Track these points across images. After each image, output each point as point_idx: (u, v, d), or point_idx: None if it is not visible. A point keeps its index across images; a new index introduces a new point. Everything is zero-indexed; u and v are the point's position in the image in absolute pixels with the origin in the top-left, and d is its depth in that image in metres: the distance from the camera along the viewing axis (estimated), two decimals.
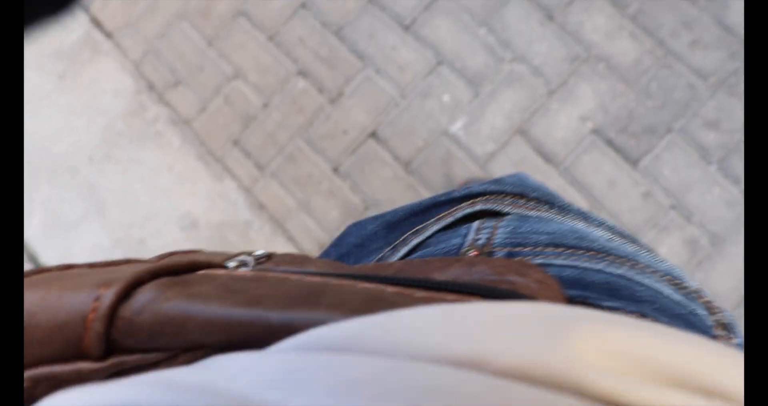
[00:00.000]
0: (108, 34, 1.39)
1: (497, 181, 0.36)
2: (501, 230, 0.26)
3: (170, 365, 0.16)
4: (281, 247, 1.22)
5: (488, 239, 0.26)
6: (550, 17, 1.13)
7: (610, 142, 1.08)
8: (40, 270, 0.17)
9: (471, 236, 0.26)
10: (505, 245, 0.25)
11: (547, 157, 1.10)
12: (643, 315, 0.21)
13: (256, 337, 0.15)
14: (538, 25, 1.13)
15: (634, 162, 1.07)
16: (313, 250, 1.19)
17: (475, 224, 0.28)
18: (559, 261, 0.23)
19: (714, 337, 0.23)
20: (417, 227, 0.30)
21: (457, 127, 1.13)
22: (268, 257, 0.21)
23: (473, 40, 1.15)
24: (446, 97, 1.15)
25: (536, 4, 1.14)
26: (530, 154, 1.10)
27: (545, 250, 0.24)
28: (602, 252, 0.24)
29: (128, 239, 1.34)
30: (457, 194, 0.31)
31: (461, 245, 0.26)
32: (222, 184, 1.28)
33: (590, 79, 1.10)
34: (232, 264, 0.20)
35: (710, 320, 0.23)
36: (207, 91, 1.28)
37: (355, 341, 0.12)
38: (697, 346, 0.13)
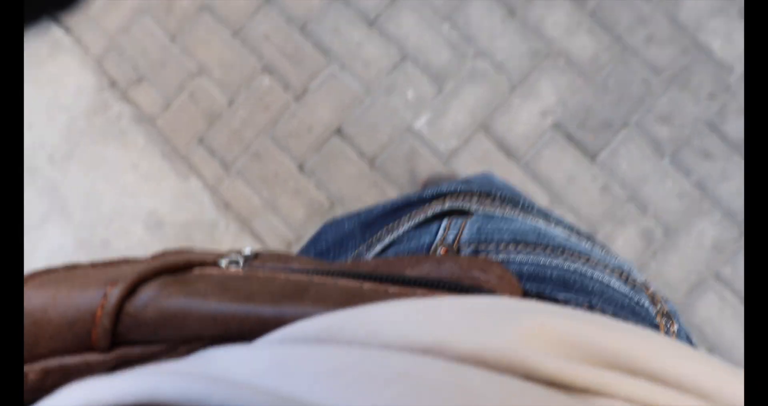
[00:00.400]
0: (68, 30, 1.36)
1: (466, 181, 0.39)
2: (468, 228, 0.28)
3: (170, 356, 0.17)
4: (247, 247, 1.21)
5: (456, 236, 0.28)
6: (512, 13, 1.15)
7: (569, 137, 1.10)
8: (48, 271, 0.19)
9: (440, 234, 0.28)
10: (471, 242, 0.27)
11: (509, 153, 1.11)
12: (591, 306, 0.23)
13: (250, 329, 0.16)
14: (500, 21, 1.15)
15: (592, 156, 1.10)
16: (281, 247, 1.19)
17: (444, 222, 0.30)
18: (519, 257, 0.25)
19: (656, 325, 0.25)
20: (390, 225, 0.32)
21: (421, 123, 1.14)
22: (256, 255, 0.24)
23: (437, 35, 1.16)
24: (410, 93, 1.16)
25: None
26: (492, 149, 1.12)
27: (507, 247, 0.26)
28: (559, 249, 0.27)
29: (93, 240, 1.32)
30: (428, 193, 0.33)
31: (432, 242, 0.28)
32: (187, 183, 1.27)
33: (551, 74, 1.12)
34: (224, 263, 0.22)
35: (653, 310, 0.26)
36: (171, 87, 1.27)
37: (336, 332, 0.14)
38: (629, 332, 0.15)
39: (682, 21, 1.10)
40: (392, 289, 0.18)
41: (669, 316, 0.26)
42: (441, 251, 0.27)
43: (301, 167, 1.19)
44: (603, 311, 0.23)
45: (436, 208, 0.31)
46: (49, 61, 1.38)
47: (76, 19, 1.34)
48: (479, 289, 0.19)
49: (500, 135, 1.12)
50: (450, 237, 0.28)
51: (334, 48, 1.19)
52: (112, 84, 1.32)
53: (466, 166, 1.12)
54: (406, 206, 0.33)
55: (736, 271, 1.05)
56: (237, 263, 0.22)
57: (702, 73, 1.09)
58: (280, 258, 0.23)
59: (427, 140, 1.14)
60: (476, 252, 0.26)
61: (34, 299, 0.17)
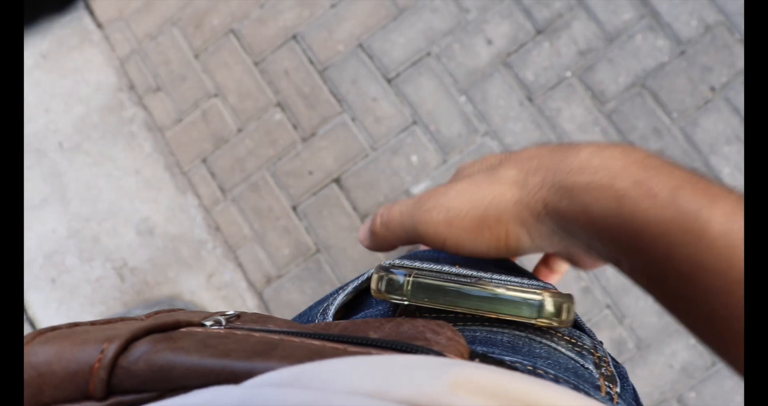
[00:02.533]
0: (99, 25, 1.38)
1: (412, 255, 0.42)
2: None
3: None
4: (230, 272, 1.24)
5: (415, 307, 0.30)
6: (530, 98, 1.14)
7: None
8: (53, 328, 0.22)
9: (402, 306, 0.31)
10: (433, 314, 0.30)
11: None
12: (534, 367, 0.26)
13: (225, 380, 0.19)
14: (517, 103, 1.15)
15: None
16: (260, 282, 1.21)
17: None
18: (475, 326, 0.28)
19: (597, 386, 0.28)
20: (340, 287, 0.36)
21: (418, 189, 1.15)
22: (238, 316, 0.27)
23: (452, 106, 1.16)
24: (414, 158, 1.16)
25: (519, 82, 1.15)
26: None
27: (466, 319, 0.29)
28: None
29: (84, 232, 1.36)
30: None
31: (393, 310, 0.31)
32: (184, 198, 1.29)
33: None
34: (209, 323, 0.25)
35: (597, 373, 0.28)
36: (186, 103, 1.28)
37: (294, 381, 0.17)
38: (539, 384, 0.18)
39: (696, 141, 1.09)
40: (351, 348, 0.21)
41: (612, 379, 0.29)
42: (401, 316, 0.30)
43: (294, 208, 1.20)
44: (545, 373, 0.26)
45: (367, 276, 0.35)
46: (76, 52, 1.39)
47: (109, 16, 1.36)
48: (428, 349, 0.22)
49: None
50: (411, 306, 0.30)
51: (350, 98, 1.20)
52: (131, 87, 1.34)
53: None
54: (355, 279, 0.37)
55: (700, 398, 1.06)
56: (220, 323, 0.25)
57: None
58: (259, 319, 0.26)
59: None
60: (436, 317, 0.29)
61: (40, 354, 0.20)
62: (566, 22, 1.17)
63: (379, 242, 0.31)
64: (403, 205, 0.30)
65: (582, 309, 1.09)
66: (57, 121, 1.40)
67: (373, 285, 0.29)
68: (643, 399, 1.15)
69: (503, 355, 0.26)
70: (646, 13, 1.16)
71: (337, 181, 1.19)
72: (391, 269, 0.28)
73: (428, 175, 1.16)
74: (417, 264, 0.28)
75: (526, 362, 0.26)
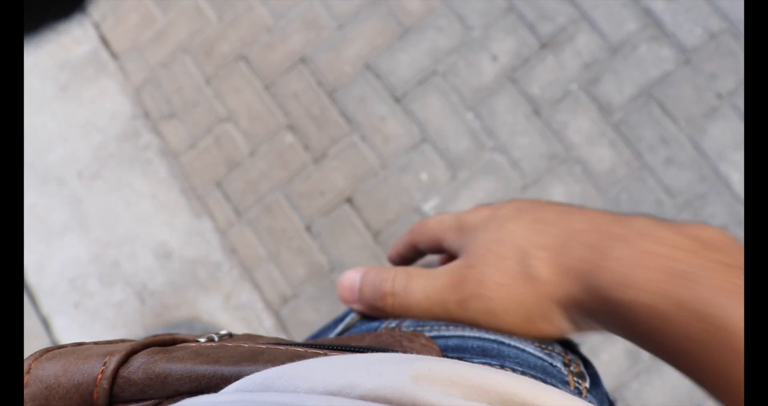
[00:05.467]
0: (114, 55, 1.42)
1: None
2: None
3: None
4: (246, 293, 1.26)
5: (398, 323, 0.32)
6: (537, 112, 1.15)
7: None
8: (59, 346, 0.24)
9: (385, 323, 0.33)
10: (411, 326, 0.32)
11: None
12: (502, 366, 0.27)
13: (215, 384, 0.21)
14: (524, 118, 1.16)
15: None
16: (276, 301, 1.23)
17: None
18: (448, 333, 0.30)
19: (566, 381, 0.28)
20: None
21: (429, 206, 1.17)
22: (230, 335, 0.29)
23: (459, 123, 1.18)
24: (424, 175, 1.18)
25: (526, 97, 1.16)
26: None
27: (441, 328, 0.31)
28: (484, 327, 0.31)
29: (105, 258, 1.39)
30: None
31: (378, 327, 0.33)
32: (200, 222, 1.32)
33: (565, 180, 1.13)
34: (202, 340, 0.27)
35: (565, 370, 0.29)
36: (199, 128, 1.32)
37: (276, 381, 0.18)
38: (501, 373, 0.19)
39: (704, 148, 1.09)
40: (331, 353, 0.23)
41: (581, 375, 0.29)
42: (383, 330, 0.32)
43: (308, 228, 1.22)
44: (513, 370, 0.27)
45: None
46: (93, 83, 1.44)
47: (123, 46, 1.40)
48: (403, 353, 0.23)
49: None
50: (393, 323, 0.32)
51: (358, 118, 1.22)
52: (146, 114, 1.38)
53: None
54: None
55: None
56: (213, 339, 0.27)
57: (717, 204, 1.08)
58: (250, 337, 0.29)
59: None
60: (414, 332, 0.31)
61: (47, 368, 0.22)
62: (570, 36, 1.18)
63: (377, 315, 0.33)
64: (428, 285, 0.30)
65: None
66: (76, 151, 1.44)
67: None
68: None
69: (473, 359, 0.28)
70: (650, 23, 1.17)
71: (348, 200, 1.21)
72: None
73: (438, 192, 1.17)
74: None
75: (494, 363, 0.27)
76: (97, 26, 1.44)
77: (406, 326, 0.32)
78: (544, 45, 1.19)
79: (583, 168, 1.12)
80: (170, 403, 0.21)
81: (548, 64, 1.18)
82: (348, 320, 0.37)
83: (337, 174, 1.22)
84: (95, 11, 1.43)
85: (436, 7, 1.23)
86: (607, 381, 1.07)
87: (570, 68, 1.17)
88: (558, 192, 1.12)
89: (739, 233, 1.07)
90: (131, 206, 1.39)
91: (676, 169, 1.10)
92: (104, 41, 1.43)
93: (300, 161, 1.24)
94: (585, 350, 1.09)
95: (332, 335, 0.37)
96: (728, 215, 1.08)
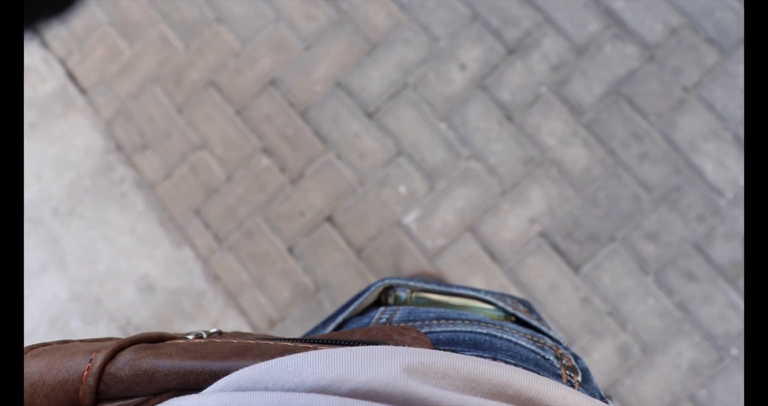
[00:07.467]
0: (82, 90, 1.41)
1: (408, 278, 0.45)
2: (400, 312, 0.33)
3: None
4: (233, 320, 1.24)
5: (389, 318, 0.33)
6: (509, 118, 1.16)
7: (555, 247, 1.11)
8: (44, 344, 0.23)
9: (376, 317, 0.34)
10: (401, 321, 0.32)
11: (494, 256, 1.12)
12: (494, 358, 0.27)
13: (204, 380, 0.20)
14: (497, 124, 1.16)
15: (576, 268, 1.10)
16: (263, 325, 1.21)
17: (381, 308, 0.35)
18: (440, 329, 0.30)
19: (558, 375, 0.28)
20: (342, 310, 0.38)
21: (410, 219, 1.16)
22: (219, 332, 0.28)
23: (433, 133, 1.18)
24: (402, 188, 1.17)
25: (497, 103, 1.17)
26: (478, 251, 1.13)
27: (431, 322, 0.31)
28: (476, 321, 0.31)
29: (86, 295, 1.36)
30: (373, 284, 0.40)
31: (369, 322, 0.34)
32: (180, 252, 1.30)
33: (542, 182, 1.13)
34: (191, 337, 0.27)
35: (558, 364, 0.29)
36: (173, 158, 1.30)
37: (261, 378, 0.18)
38: (492, 364, 0.18)
39: (676, 141, 1.10)
40: (321, 347, 0.22)
41: (573, 369, 0.30)
42: (373, 325, 0.32)
43: (290, 250, 1.21)
44: (505, 363, 0.27)
45: (377, 284, 0.38)
46: (62, 119, 1.42)
47: (91, 80, 1.39)
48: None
49: (487, 238, 1.13)
50: (383, 319, 0.33)
51: (333, 136, 1.22)
52: (119, 148, 1.36)
53: (451, 266, 1.13)
54: (357, 296, 0.39)
55: (712, 395, 1.04)
56: (201, 336, 0.27)
57: (693, 194, 1.09)
58: (239, 334, 0.28)
59: (415, 236, 1.16)
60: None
61: (32, 366, 0.21)
62: (536, 40, 1.20)
63: None
64: None
65: (583, 320, 1.09)
66: (49, 188, 1.42)
67: (383, 299, 0.35)
68: (654, 403, 1.13)
69: (465, 351, 0.28)
70: (612, 23, 1.19)
71: (329, 219, 1.20)
72: (397, 287, 0.35)
73: (418, 204, 1.17)
74: (412, 283, 0.35)
75: (486, 355, 0.27)
76: (63, 62, 1.42)
77: (397, 320, 0.33)
78: (511, 51, 1.20)
79: (559, 169, 1.13)
80: (157, 401, 0.21)
81: (517, 69, 1.19)
82: (346, 313, 0.37)
83: (316, 194, 1.21)
84: (60, 47, 1.42)
85: (402, 21, 1.24)
86: (600, 379, 1.07)
87: (538, 72, 1.18)
88: (536, 195, 1.13)
89: (715, 221, 1.08)
90: (110, 241, 1.37)
91: (650, 164, 1.10)
92: (71, 77, 1.41)
93: (277, 183, 1.23)
94: (575, 349, 1.09)
95: (326, 331, 0.37)
96: (704, 204, 1.09)
